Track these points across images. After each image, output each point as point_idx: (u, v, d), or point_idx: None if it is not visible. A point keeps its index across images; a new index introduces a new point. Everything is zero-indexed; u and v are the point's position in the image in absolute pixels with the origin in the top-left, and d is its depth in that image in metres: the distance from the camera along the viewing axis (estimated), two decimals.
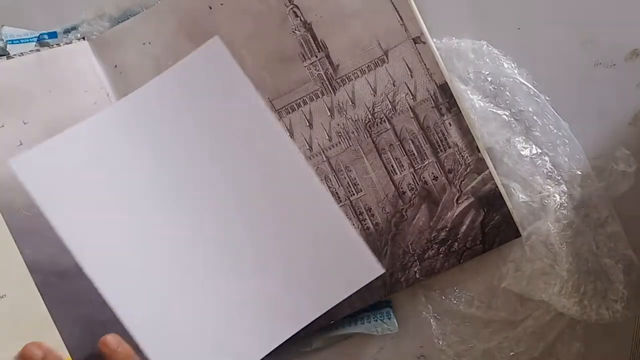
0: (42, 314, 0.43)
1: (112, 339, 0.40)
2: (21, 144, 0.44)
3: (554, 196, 0.42)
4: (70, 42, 0.45)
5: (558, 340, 0.42)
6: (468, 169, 0.43)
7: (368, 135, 0.44)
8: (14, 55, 0.44)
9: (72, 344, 0.44)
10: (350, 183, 0.44)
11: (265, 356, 0.45)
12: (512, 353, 0.42)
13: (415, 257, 0.43)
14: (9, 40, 0.47)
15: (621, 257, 0.42)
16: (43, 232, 0.43)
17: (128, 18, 0.45)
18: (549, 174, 0.43)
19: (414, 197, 0.44)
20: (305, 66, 0.44)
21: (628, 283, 0.42)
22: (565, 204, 0.42)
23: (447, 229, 0.43)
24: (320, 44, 0.44)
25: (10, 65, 0.44)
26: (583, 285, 0.41)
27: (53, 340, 0.43)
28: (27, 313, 0.44)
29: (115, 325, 0.44)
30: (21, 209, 0.43)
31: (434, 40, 0.43)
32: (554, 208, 0.41)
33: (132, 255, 0.41)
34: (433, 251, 0.43)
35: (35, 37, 0.47)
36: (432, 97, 0.43)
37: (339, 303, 0.42)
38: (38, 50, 0.45)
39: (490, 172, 0.42)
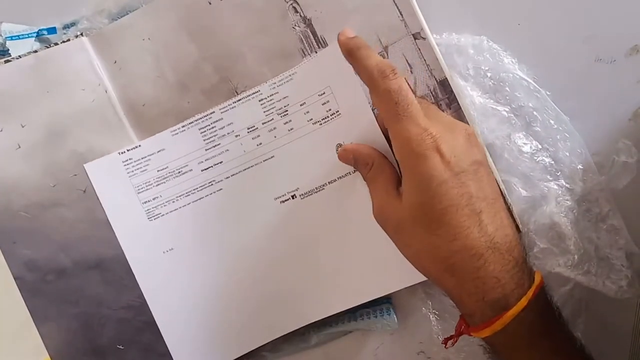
0: (24, 317, 0.44)
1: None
2: (19, 147, 0.44)
3: (555, 191, 0.42)
4: (69, 39, 0.45)
5: None
6: None
7: None
8: (12, 58, 0.45)
9: (70, 340, 0.44)
10: None
11: (267, 351, 0.45)
12: None
13: None
14: (8, 37, 0.47)
15: (623, 249, 0.42)
16: (41, 232, 0.44)
17: (127, 14, 0.45)
18: (550, 169, 0.43)
19: None
20: None
21: (629, 268, 0.42)
22: (567, 198, 0.42)
23: None
24: (320, 39, 0.44)
25: (7, 70, 0.44)
26: (587, 262, 0.41)
27: (34, 342, 0.43)
28: (10, 317, 0.44)
29: (112, 322, 0.44)
30: (20, 209, 0.44)
31: (434, 35, 0.43)
32: (555, 194, 0.41)
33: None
34: None
35: (34, 33, 0.47)
36: (432, 92, 0.43)
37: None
38: (36, 51, 0.45)
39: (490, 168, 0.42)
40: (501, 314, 0.32)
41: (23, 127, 0.44)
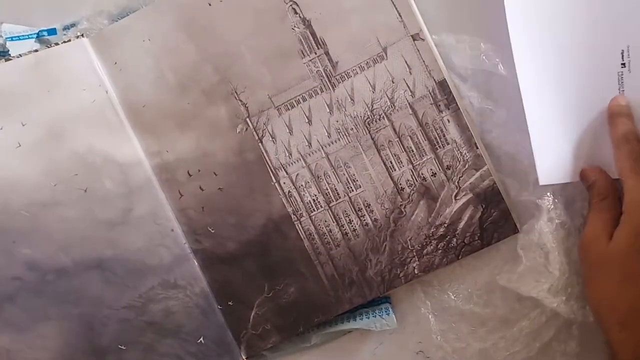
0: None
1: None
2: (20, 145, 0.44)
3: (548, 195, 0.42)
4: (69, 40, 0.45)
5: (554, 340, 0.42)
6: (466, 165, 0.43)
7: (367, 132, 0.44)
8: (12, 57, 0.45)
9: (70, 340, 0.45)
10: (349, 179, 0.44)
11: (267, 351, 0.46)
12: (507, 353, 0.42)
13: (414, 253, 0.44)
14: (9, 37, 0.47)
15: None
16: (41, 231, 0.44)
17: (127, 15, 0.45)
18: None
19: (413, 193, 0.44)
20: (305, 63, 0.44)
21: None
22: (558, 202, 0.42)
23: (445, 225, 0.43)
24: (320, 40, 0.44)
25: (8, 69, 0.44)
26: (570, 287, 0.41)
27: None
28: None
29: (113, 322, 0.44)
30: (20, 208, 0.44)
31: (433, 37, 0.43)
32: (547, 207, 0.41)
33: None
34: (432, 247, 0.43)
35: (34, 33, 0.47)
36: (430, 93, 0.43)
37: (339, 299, 0.43)
38: (36, 51, 0.45)
39: (488, 168, 0.43)
40: None
41: (24, 125, 0.44)
